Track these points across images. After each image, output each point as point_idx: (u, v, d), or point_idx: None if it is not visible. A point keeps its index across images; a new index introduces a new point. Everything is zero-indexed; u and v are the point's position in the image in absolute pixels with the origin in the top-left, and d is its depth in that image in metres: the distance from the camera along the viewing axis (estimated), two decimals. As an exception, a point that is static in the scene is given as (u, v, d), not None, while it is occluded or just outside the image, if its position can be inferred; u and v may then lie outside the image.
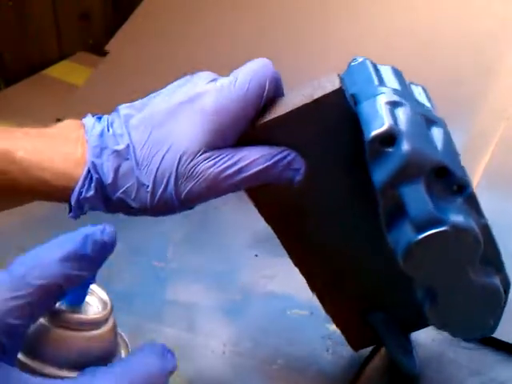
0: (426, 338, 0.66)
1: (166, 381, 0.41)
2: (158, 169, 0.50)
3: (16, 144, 0.52)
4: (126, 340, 0.46)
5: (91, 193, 0.50)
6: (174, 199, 0.50)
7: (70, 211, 0.52)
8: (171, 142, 0.50)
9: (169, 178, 0.49)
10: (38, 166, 0.51)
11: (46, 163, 0.51)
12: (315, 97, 0.51)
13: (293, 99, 0.52)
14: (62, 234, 0.39)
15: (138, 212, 0.51)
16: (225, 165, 0.49)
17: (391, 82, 0.53)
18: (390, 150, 0.49)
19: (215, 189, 0.50)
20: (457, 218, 0.49)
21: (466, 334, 0.57)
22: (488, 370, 0.64)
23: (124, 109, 0.53)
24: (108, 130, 0.52)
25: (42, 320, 0.40)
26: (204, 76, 0.54)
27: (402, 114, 0.50)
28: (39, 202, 0.54)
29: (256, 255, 0.73)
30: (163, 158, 0.50)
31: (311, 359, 0.64)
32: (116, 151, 0.50)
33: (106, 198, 0.51)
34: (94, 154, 0.50)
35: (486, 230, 0.52)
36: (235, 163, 0.50)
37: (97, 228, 0.39)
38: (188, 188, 0.49)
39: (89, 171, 0.50)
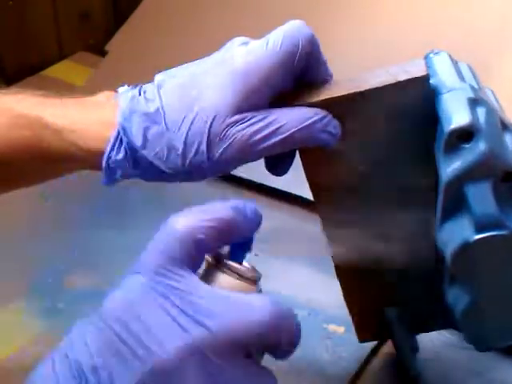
0: (426, 338, 0.66)
1: None
2: (188, 131, 0.49)
3: (48, 110, 0.53)
4: None
5: (121, 156, 0.50)
6: (206, 162, 0.49)
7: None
8: (202, 105, 0.49)
9: (200, 140, 0.49)
10: (70, 128, 0.51)
11: (78, 125, 0.51)
12: (400, 79, 0.50)
13: (368, 80, 0.50)
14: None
15: (170, 177, 0.51)
16: (257, 126, 0.48)
17: (469, 79, 0.53)
18: (467, 145, 0.48)
19: (248, 152, 0.49)
20: None
21: (492, 343, 0.55)
22: (488, 370, 0.64)
23: (159, 75, 0.53)
24: (140, 94, 0.51)
25: (209, 259, 0.43)
26: (237, 40, 0.53)
27: (481, 112, 0.49)
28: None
29: (256, 255, 0.73)
30: (194, 120, 0.49)
31: (311, 359, 0.64)
32: (146, 114, 0.50)
33: (136, 161, 0.50)
34: (123, 117, 0.50)
35: None
36: (268, 125, 0.48)
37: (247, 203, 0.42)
38: (220, 151, 0.49)
39: (118, 134, 0.50)
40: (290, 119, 0.49)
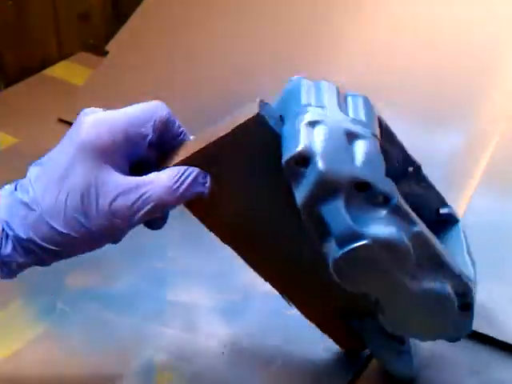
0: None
1: None
2: (64, 212, 0.51)
3: None
4: None
5: (9, 249, 0.52)
6: (87, 237, 0.51)
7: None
8: (67, 183, 0.51)
9: (77, 217, 0.51)
10: None
11: None
12: (235, 125, 0.52)
13: (217, 130, 0.53)
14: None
15: (64, 254, 0.53)
16: (129, 198, 0.51)
17: (323, 99, 0.53)
18: (306, 170, 0.49)
19: (127, 222, 0.51)
20: (379, 230, 0.49)
21: (429, 338, 0.57)
22: (488, 369, 0.64)
23: (31, 168, 0.54)
24: (16, 188, 0.53)
25: None
26: (85, 112, 0.54)
27: (319, 132, 0.50)
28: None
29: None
30: (66, 200, 0.51)
31: (310, 359, 0.64)
32: (23, 203, 0.52)
33: (27, 251, 0.52)
34: (5, 212, 0.52)
35: (420, 236, 0.51)
36: (141, 195, 0.51)
37: None
38: (98, 223, 0.51)
39: (3, 229, 0.52)
40: (157, 185, 0.51)
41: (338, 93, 0.55)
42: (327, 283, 0.56)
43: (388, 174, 0.52)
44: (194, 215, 0.56)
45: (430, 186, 0.61)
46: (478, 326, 0.66)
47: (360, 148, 0.51)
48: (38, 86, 1.06)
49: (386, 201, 0.50)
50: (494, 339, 0.65)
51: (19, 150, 0.91)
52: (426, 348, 0.65)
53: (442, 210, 0.62)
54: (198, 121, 0.93)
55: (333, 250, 0.50)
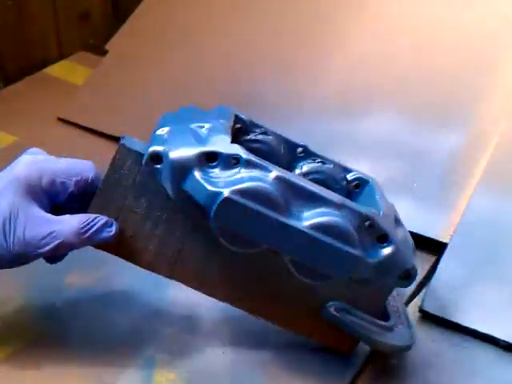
0: (426, 337, 0.66)
1: None
2: None
3: None
4: None
5: None
6: (7, 257, 0.58)
7: None
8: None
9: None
10: None
11: None
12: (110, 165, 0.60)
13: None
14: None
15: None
16: (41, 232, 0.58)
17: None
18: (160, 166, 0.58)
19: (36, 252, 0.58)
20: (235, 183, 0.56)
21: (341, 273, 0.58)
22: (488, 369, 0.64)
23: None
24: None
25: None
26: (30, 151, 0.64)
27: (168, 133, 0.60)
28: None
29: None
30: None
31: (311, 359, 0.64)
32: None
33: None
34: None
35: (280, 178, 0.57)
36: (50, 233, 0.58)
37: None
38: (14, 249, 0.58)
39: None
40: (67, 226, 0.58)
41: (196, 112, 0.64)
42: (294, 287, 0.60)
43: (280, 163, 0.61)
44: (116, 255, 0.62)
45: (326, 159, 0.65)
46: (478, 325, 0.66)
47: (206, 131, 0.59)
48: (38, 86, 1.06)
49: (237, 161, 0.57)
50: (494, 339, 0.65)
51: (19, 148, 0.90)
52: (426, 348, 0.65)
53: (349, 176, 0.65)
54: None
55: (210, 220, 0.56)
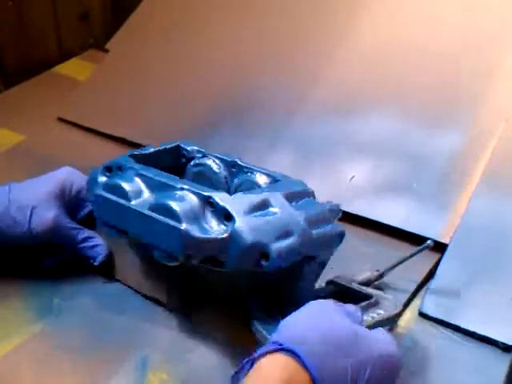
0: (426, 337, 0.66)
1: None
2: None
3: None
4: None
5: None
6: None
7: None
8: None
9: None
10: None
11: None
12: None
13: None
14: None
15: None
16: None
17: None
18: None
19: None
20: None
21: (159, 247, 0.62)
22: (488, 368, 0.64)
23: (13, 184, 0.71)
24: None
25: None
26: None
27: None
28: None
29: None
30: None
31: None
32: None
33: None
34: None
35: (142, 176, 0.64)
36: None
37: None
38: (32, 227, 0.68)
39: None
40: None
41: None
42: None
43: (219, 178, 0.69)
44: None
45: (253, 170, 0.69)
46: (477, 327, 0.66)
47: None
48: (38, 86, 1.06)
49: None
50: (493, 341, 0.65)
51: (24, 147, 0.91)
52: (426, 348, 0.65)
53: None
54: (199, 120, 0.93)
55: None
